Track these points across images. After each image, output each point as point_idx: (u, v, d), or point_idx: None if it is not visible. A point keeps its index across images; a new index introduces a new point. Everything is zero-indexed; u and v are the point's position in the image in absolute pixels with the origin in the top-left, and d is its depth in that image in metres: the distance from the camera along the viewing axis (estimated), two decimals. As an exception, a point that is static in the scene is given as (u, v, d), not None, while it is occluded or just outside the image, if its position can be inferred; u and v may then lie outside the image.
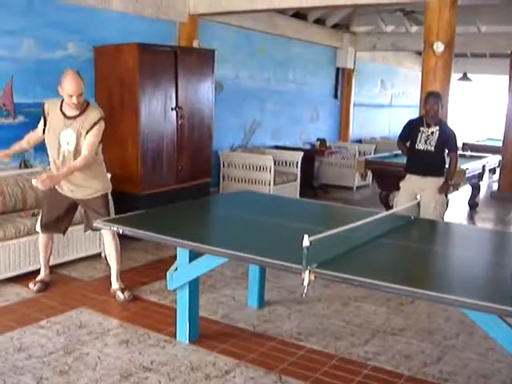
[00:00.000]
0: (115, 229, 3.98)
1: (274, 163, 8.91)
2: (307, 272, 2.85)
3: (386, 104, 15.47)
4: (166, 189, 7.06)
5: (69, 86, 4.57)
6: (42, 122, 4.84)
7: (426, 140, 5.96)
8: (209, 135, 7.78)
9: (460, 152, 11.23)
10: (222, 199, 6.08)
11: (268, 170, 8.82)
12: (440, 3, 6.58)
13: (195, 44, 8.26)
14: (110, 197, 5.05)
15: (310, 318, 4.69)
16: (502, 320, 2.83)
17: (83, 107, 4.72)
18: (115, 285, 5.04)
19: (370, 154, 11.04)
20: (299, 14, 10.69)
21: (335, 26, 12.12)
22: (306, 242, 2.82)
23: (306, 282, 2.87)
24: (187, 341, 4.09)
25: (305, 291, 2.90)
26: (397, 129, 6.43)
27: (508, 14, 9.98)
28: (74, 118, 4.70)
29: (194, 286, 4.06)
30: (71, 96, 4.58)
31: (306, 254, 2.84)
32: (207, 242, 3.61)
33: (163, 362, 3.81)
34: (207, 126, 7.73)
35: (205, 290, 5.08)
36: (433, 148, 5.94)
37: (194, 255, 3.86)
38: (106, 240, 5.04)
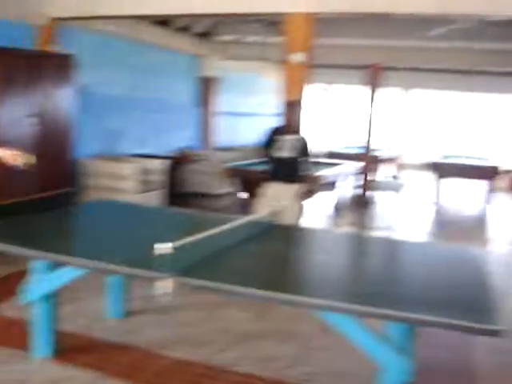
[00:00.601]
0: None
1: (139, 171, 8.78)
2: (166, 280, 2.83)
3: (249, 112, 15.71)
4: (25, 198, 6.79)
5: None
6: None
7: (286, 147, 6.11)
8: (69, 143, 7.56)
9: (319, 159, 11.70)
10: (83, 209, 5.92)
11: (132, 178, 8.68)
12: (299, 15, 6.77)
13: (54, 48, 8.00)
14: None
15: (173, 326, 4.66)
16: (356, 320, 2.94)
17: None
18: None
19: (235, 161, 11.15)
20: (163, 21, 10.64)
21: (200, 35, 12.16)
22: (164, 249, 2.80)
23: (165, 290, 2.84)
24: (45, 355, 3.94)
25: (165, 299, 2.87)
26: (260, 136, 6.54)
27: (365, 27, 10.44)
28: None
29: (52, 298, 3.92)
30: None
31: (165, 262, 2.82)
32: (65, 253, 3.49)
33: (20, 379, 3.65)
34: (67, 133, 7.52)
35: (64, 302, 4.87)
36: (292, 155, 6.10)
37: (51, 267, 3.72)
38: None
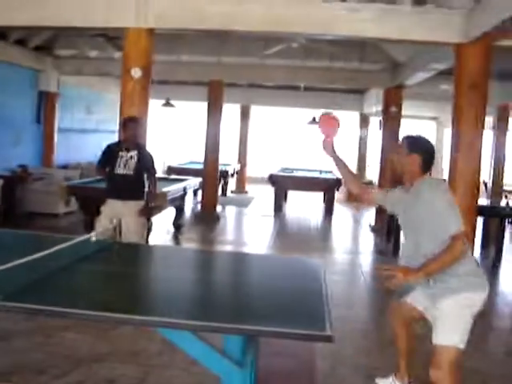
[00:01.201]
0: None
1: (-29, 192, 8.30)
2: (-3, 305, 2.69)
3: (91, 129, 15.38)
4: None
5: None
6: None
7: (125, 164, 6.04)
8: None
9: (163, 175, 11.69)
10: None
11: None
12: (137, 30, 6.76)
13: None
14: None
15: (9, 354, 4.43)
16: (193, 335, 2.95)
17: None
18: None
19: (76, 179, 10.86)
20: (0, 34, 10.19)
21: (38, 48, 11.75)
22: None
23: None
24: None
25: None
26: (99, 154, 6.43)
27: (205, 44, 10.61)
28: None
29: None
30: None
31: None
32: None
33: None
34: None
35: None
36: (131, 172, 6.04)
37: None
38: None
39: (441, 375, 3.35)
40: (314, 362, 4.61)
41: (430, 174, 3.67)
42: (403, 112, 11.81)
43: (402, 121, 11.80)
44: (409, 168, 3.61)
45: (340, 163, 4.03)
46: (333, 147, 3.99)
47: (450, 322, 3.39)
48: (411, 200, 3.57)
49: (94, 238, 4.08)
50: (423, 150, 3.62)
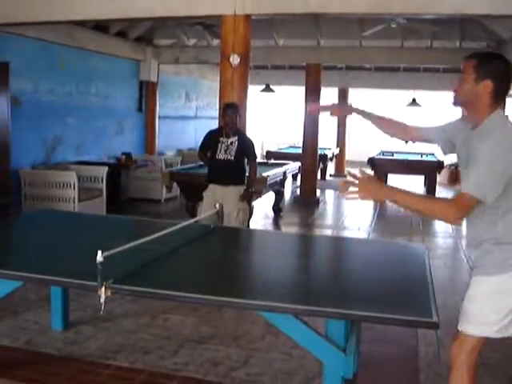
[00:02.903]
0: None
1: (78, 179, 8.64)
2: (103, 288, 2.79)
3: (191, 116, 15.68)
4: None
5: None
6: None
7: (226, 150, 6.12)
8: (5, 152, 7.41)
9: (263, 160, 11.76)
10: (20, 220, 5.79)
11: (72, 186, 8.53)
12: (235, 17, 6.78)
13: (-13, 57, 7.84)
14: None
15: (117, 334, 4.61)
16: (296, 319, 2.96)
17: None
18: None
19: (177, 165, 11.10)
20: (101, 27, 10.53)
21: (138, 39, 12.07)
22: (99, 257, 2.76)
23: (102, 299, 2.81)
24: (-14, 372, 3.85)
25: (102, 308, 2.83)
26: (201, 140, 6.55)
27: (302, 28, 10.56)
28: None
29: (-11, 313, 3.83)
30: None
31: (100, 270, 2.78)
32: (0, 266, 3.40)
33: (-42, 397, 3.56)
34: (3, 142, 7.37)
35: (5, 316, 4.81)
36: (232, 157, 6.11)
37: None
38: None
39: (456, 366, 2.87)
40: (416, 349, 4.53)
41: (504, 110, 2.85)
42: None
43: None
44: (476, 99, 2.72)
45: (364, 114, 3.70)
46: (345, 108, 3.74)
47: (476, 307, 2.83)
48: (475, 143, 2.64)
49: (198, 223, 4.16)
50: (497, 74, 2.67)
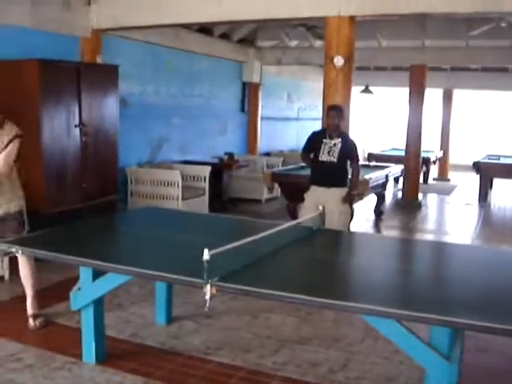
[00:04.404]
0: (13, 250, 3.85)
1: (182, 178, 8.85)
2: (208, 286, 2.86)
3: (293, 117, 15.72)
4: (72, 207, 6.90)
5: None
6: None
7: (329, 151, 6.09)
8: (114, 151, 7.68)
9: (364, 162, 11.64)
10: (128, 216, 6.01)
11: (176, 185, 8.76)
12: (339, 19, 6.75)
13: (98, 60, 8.15)
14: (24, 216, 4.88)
15: (218, 331, 4.70)
16: (399, 324, 2.92)
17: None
18: (29, 310, 4.85)
19: (278, 166, 11.16)
20: (205, 29, 10.74)
21: (241, 41, 12.23)
22: (206, 255, 2.83)
23: (207, 296, 2.87)
24: (94, 361, 4.01)
25: (207, 305, 2.90)
26: (304, 141, 6.56)
27: (406, 29, 10.37)
28: None
29: (99, 305, 3.99)
30: None
31: (207, 268, 2.84)
32: (110, 260, 3.55)
33: (69, 384, 3.73)
34: (112, 142, 7.64)
35: (112, 309, 4.99)
36: (335, 159, 6.08)
37: (98, 274, 3.80)
38: (20, 262, 4.86)
39: None
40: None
41: None
42: None
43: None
44: None
45: None
46: None
47: None
48: None
49: (301, 225, 4.18)
50: None
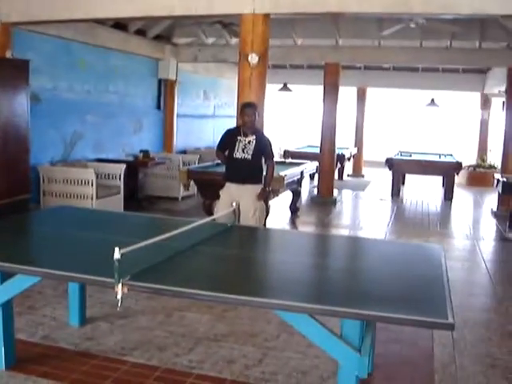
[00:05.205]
0: None
1: (97, 176, 8.69)
2: (119, 285, 2.82)
3: (209, 114, 15.71)
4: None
5: None
6: None
7: (244, 149, 6.13)
8: (25, 149, 7.47)
9: (280, 159, 11.76)
10: (39, 215, 5.84)
11: (90, 183, 8.58)
12: (254, 16, 6.78)
13: (8, 54, 7.87)
14: None
15: (133, 331, 4.64)
16: (311, 318, 2.96)
17: None
18: None
19: (194, 164, 11.13)
20: (120, 25, 10.58)
21: (157, 37, 12.11)
22: (116, 254, 2.79)
23: (119, 296, 2.83)
24: (3, 367, 3.87)
25: (119, 305, 2.86)
26: (218, 138, 6.57)
27: (320, 27, 10.55)
28: None
29: (7, 308, 3.85)
30: None
31: (118, 267, 2.80)
32: (19, 262, 3.43)
33: (-23, 391, 3.60)
34: (23, 139, 7.42)
35: (23, 312, 4.85)
36: (250, 156, 6.12)
37: (4, 276, 3.67)
38: None
39: None
40: (432, 350, 4.51)
41: None
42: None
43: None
44: None
45: None
46: None
47: None
48: None
49: (215, 221, 4.18)
50: None
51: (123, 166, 9.39)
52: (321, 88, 12.33)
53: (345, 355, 2.95)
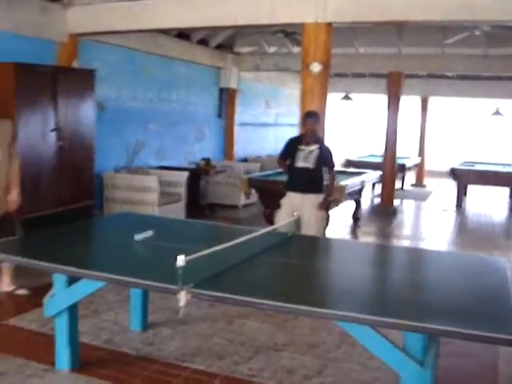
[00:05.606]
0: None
1: (159, 184, 8.82)
2: (182, 292, 2.84)
3: (270, 123, 15.74)
4: (47, 212, 6.84)
5: None
6: None
7: (306, 158, 6.11)
8: (90, 156, 7.65)
9: (341, 168, 11.69)
10: (103, 222, 5.96)
11: (152, 190, 8.71)
12: (316, 25, 6.77)
13: (75, 64, 8.09)
14: None
15: (194, 338, 4.67)
16: (374, 330, 2.93)
17: None
18: None
19: (256, 172, 11.16)
20: (183, 35, 10.73)
21: (219, 47, 12.24)
22: (180, 261, 2.81)
23: (182, 303, 2.86)
24: (68, 369, 3.96)
25: (182, 312, 2.88)
26: (280, 147, 6.57)
27: (382, 36, 10.45)
28: None
29: (73, 311, 3.95)
30: None
31: (181, 274, 2.83)
32: (84, 266, 3.51)
33: (42, 392, 3.68)
34: (88, 147, 7.60)
35: (87, 316, 4.95)
36: (312, 165, 6.10)
37: (72, 280, 3.76)
38: None
39: None
40: (496, 366, 4.39)
41: None
42: None
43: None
44: None
45: None
46: None
47: None
48: None
49: (276, 231, 4.18)
50: None
51: (186, 174, 9.50)
52: (382, 97, 12.21)
53: (407, 368, 2.91)
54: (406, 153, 15.58)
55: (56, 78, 7.03)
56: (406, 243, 9.11)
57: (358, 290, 3.34)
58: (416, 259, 4.51)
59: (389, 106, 11.93)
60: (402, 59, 11.58)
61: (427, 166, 17.88)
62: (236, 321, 5.04)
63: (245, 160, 13.51)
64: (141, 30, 8.22)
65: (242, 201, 11.16)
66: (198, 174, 10.36)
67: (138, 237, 4.07)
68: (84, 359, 4.10)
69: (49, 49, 7.90)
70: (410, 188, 16.66)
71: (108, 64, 9.08)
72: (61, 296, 3.84)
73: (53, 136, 7.00)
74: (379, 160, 12.51)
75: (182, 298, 2.84)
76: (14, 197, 5.28)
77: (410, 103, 16.30)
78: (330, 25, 6.83)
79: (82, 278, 3.62)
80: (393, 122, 11.87)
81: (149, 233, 4.19)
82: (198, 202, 10.34)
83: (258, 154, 14.49)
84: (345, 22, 7.08)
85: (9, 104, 6.44)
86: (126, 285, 3.79)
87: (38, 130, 6.78)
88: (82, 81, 7.55)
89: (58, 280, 3.82)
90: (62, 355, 3.97)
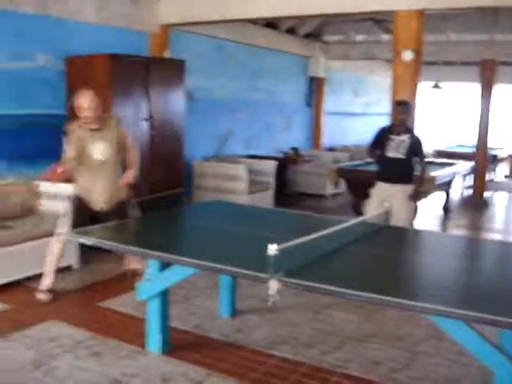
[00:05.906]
0: (83, 240, 3.95)
1: (248, 172, 8.90)
2: (273, 281, 2.87)
3: (358, 112, 15.58)
4: (140, 199, 7.01)
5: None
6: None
7: (397, 148, 6.02)
8: (180, 145, 7.79)
9: (431, 159, 11.44)
10: (193, 209, 6.07)
11: (241, 179, 8.81)
12: (408, 12, 6.66)
13: (166, 54, 8.26)
14: None
15: (281, 326, 4.70)
16: (468, 326, 2.86)
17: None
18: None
19: (344, 162, 11.07)
20: (271, 24, 10.76)
21: (307, 36, 12.20)
22: (272, 250, 2.83)
23: (272, 291, 2.88)
24: (158, 352, 4.08)
25: (271, 300, 2.91)
26: (370, 137, 6.49)
27: (475, 22, 10.14)
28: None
29: (164, 296, 4.06)
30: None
31: (272, 263, 2.85)
32: (177, 253, 3.59)
33: (135, 373, 3.79)
34: (179, 136, 7.75)
35: (177, 301, 5.05)
36: (403, 156, 6.00)
37: (164, 266, 3.86)
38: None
39: None
40: None
41: None
42: None
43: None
44: None
45: None
46: None
47: None
48: None
49: (366, 221, 4.14)
50: None
51: (274, 163, 9.53)
52: (472, 85, 11.84)
53: (502, 366, 2.83)
54: (499, 143, 15.08)
55: (148, 68, 7.19)
56: (497, 237, 8.83)
57: (449, 284, 3.26)
58: (509, 253, 4.37)
59: (482, 95, 11.57)
60: (496, 46, 11.20)
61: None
62: (323, 310, 5.04)
63: (331, 149, 13.43)
64: (232, 20, 8.30)
65: (330, 190, 11.11)
66: (286, 163, 10.38)
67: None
68: (174, 343, 4.21)
69: (141, 40, 8.11)
70: (504, 179, 16.13)
71: (197, 54, 9.22)
72: (153, 281, 3.94)
73: (145, 125, 7.16)
74: (467, 150, 12.17)
75: (273, 286, 2.87)
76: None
77: (504, 92, 15.74)
78: (422, 12, 6.69)
79: (174, 263, 3.70)
80: (485, 111, 11.51)
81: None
82: (285, 190, 10.37)
83: (344, 144, 14.38)
84: (438, 9, 6.91)
85: (105, 94, 6.61)
86: (216, 271, 3.84)
87: (132, 119, 6.96)
88: (172, 71, 7.69)
89: (151, 265, 3.92)
90: (153, 338, 4.09)
